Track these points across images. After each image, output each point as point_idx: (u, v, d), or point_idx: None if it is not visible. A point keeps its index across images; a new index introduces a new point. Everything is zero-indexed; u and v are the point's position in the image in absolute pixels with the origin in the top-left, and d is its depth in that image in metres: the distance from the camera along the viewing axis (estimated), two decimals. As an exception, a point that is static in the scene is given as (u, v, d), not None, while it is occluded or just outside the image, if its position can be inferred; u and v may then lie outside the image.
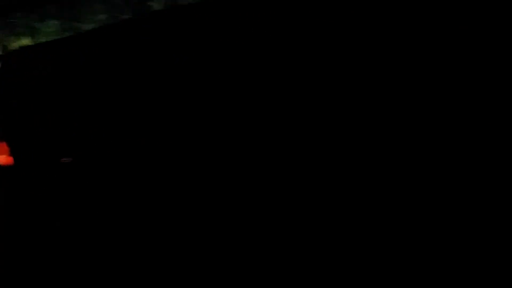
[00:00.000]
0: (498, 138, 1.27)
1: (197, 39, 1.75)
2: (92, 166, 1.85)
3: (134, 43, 1.86)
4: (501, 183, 1.26)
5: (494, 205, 1.27)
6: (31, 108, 1.95)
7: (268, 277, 1.56)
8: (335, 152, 1.49)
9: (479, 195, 1.29)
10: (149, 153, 1.72)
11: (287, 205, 1.58)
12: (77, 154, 1.91)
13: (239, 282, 1.58)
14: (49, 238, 1.96)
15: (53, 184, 1.96)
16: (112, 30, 1.89)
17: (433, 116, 1.35)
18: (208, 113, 1.61)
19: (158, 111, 1.70)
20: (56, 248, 1.94)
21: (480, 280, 1.27)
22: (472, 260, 1.29)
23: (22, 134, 2.00)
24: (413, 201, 1.37)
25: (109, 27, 1.91)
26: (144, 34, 1.89)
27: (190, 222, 1.72)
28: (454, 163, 1.31)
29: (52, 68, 1.90)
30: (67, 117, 1.85)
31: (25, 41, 6.50)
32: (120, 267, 1.77)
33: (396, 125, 1.39)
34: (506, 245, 1.25)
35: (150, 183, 1.73)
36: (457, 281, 1.29)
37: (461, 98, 1.33)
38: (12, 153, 2.05)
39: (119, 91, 1.78)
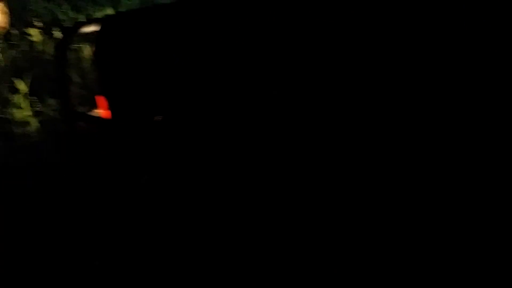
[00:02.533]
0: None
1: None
2: (179, 125, 2.00)
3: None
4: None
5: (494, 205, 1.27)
6: (126, 68, 2.12)
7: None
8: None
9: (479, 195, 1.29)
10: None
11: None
12: (166, 112, 2.06)
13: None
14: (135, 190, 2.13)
15: (144, 139, 2.13)
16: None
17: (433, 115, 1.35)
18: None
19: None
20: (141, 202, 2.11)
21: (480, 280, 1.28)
22: (472, 260, 1.30)
23: (119, 91, 2.18)
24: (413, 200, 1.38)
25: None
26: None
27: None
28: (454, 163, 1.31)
29: (144, 32, 2.06)
30: (155, 78, 2.00)
31: (108, 11, 6.79)
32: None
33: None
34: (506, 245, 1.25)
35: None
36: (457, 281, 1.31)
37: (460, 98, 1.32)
38: (109, 107, 2.25)
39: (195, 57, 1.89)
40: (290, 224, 1.60)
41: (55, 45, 2.43)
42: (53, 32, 5.73)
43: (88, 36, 2.49)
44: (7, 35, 6.35)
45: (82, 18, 6.96)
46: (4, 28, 6.90)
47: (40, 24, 6.42)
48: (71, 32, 2.31)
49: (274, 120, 1.63)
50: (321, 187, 1.54)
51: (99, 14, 6.97)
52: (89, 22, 2.31)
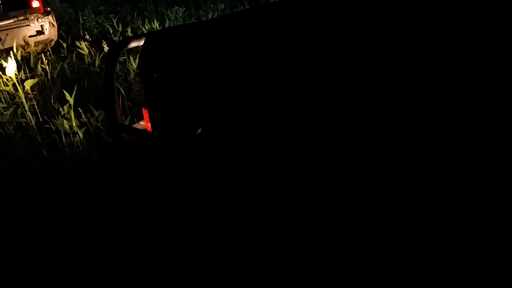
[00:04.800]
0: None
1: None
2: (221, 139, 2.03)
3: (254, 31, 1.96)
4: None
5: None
6: (168, 82, 2.16)
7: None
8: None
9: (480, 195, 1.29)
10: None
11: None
12: (206, 127, 2.09)
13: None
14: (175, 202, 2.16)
15: (185, 152, 2.17)
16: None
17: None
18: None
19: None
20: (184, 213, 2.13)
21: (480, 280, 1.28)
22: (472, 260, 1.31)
23: (160, 105, 2.23)
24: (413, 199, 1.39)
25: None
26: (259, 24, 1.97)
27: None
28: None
29: (189, 47, 2.10)
30: (199, 93, 2.04)
31: (154, 25, 6.94)
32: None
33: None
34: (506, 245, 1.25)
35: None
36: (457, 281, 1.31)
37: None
38: (151, 120, 2.30)
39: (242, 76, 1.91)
40: (291, 224, 1.62)
41: (105, 60, 2.51)
42: (102, 45, 5.92)
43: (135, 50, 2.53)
44: (56, 48, 6.60)
45: (128, 32, 7.17)
46: (52, 40, 7.14)
47: (88, 37, 6.65)
48: (119, 46, 2.37)
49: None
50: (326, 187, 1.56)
51: (146, 28, 7.17)
52: (137, 37, 2.37)
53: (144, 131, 2.42)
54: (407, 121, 1.41)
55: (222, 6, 8.84)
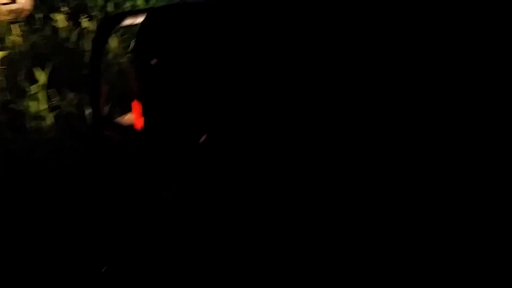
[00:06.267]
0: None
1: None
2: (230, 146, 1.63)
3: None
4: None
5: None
6: (171, 71, 1.75)
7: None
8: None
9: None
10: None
11: None
12: (213, 130, 1.68)
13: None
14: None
15: (179, 156, 1.77)
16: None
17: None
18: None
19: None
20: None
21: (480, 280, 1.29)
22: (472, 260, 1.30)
23: (160, 98, 1.81)
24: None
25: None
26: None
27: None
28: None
29: (199, 30, 1.68)
30: (206, 87, 1.62)
31: (140, 1, 6.45)
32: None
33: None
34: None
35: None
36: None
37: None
38: (144, 114, 1.89)
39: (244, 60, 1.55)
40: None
41: (92, 39, 2.07)
42: (80, 20, 5.37)
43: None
44: (30, 19, 5.99)
45: (110, 7, 6.62)
46: (27, 10, 6.55)
47: (66, 10, 6.06)
48: (111, 23, 1.93)
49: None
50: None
51: (128, 5, 6.63)
52: (133, 12, 1.94)
53: (132, 128, 2.00)
54: (407, 122, 1.36)
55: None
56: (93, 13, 6.32)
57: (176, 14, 1.83)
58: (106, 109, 1.95)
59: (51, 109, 3.40)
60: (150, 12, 1.87)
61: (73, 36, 5.10)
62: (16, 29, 5.18)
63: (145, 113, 1.90)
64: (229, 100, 1.61)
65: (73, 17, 5.75)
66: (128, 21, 1.93)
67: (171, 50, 1.78)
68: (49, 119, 3.28)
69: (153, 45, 1.83)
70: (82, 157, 2.80)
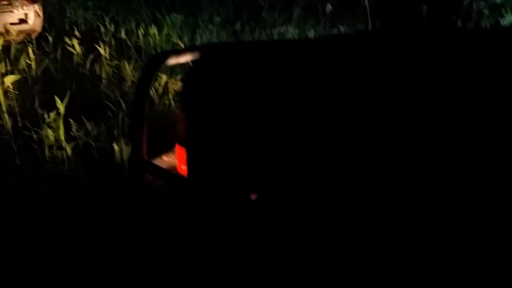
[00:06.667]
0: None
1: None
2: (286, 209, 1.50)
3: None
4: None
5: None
6: (224, 117, 1.63)
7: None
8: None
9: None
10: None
11: None
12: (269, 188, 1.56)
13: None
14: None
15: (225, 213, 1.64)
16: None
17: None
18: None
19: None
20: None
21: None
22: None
23: (209, 145, 1.69)
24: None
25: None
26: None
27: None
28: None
29: (259, 73, 1.56)
30: (263, 138, 1.50)
31: (152, 30, 6.31)
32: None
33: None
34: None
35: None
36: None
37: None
38: (189, 164, 1.76)
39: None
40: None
41: (137, 78, 1.95)
42: (94, 45, 5.26)
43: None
44: (39, 41, 5.86)
45: (122, 33, 6.51)
46: (36, 31, 6.43)
47: (78, 34, 5.93)
48: (157, 61, 1.81)
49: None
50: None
51: (141, 32, 6.52)
52: (180, 51, 1.82)
53: (176, 175, 1.86)
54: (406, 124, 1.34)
55: (218, 19, 8.34)
56: (105, 38, 6.23)
57: (233, 53, 1.72)
58: (148, 153, 1.81)
59: (68, 139, 3.26)
60: (203, 50, 1.75)
61: (88, 62, 4.97)
62: (30, 51, 5.02)
63: (190, 160, 1.77)
64: (293, 155, 1.48)
65: (84, 41, 5.63)
66: (174, 60, 1.81)
67: (225, 93, 1.66)
68: (68, 150, 3.14)
69: (205, 86, 1.70)
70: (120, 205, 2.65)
